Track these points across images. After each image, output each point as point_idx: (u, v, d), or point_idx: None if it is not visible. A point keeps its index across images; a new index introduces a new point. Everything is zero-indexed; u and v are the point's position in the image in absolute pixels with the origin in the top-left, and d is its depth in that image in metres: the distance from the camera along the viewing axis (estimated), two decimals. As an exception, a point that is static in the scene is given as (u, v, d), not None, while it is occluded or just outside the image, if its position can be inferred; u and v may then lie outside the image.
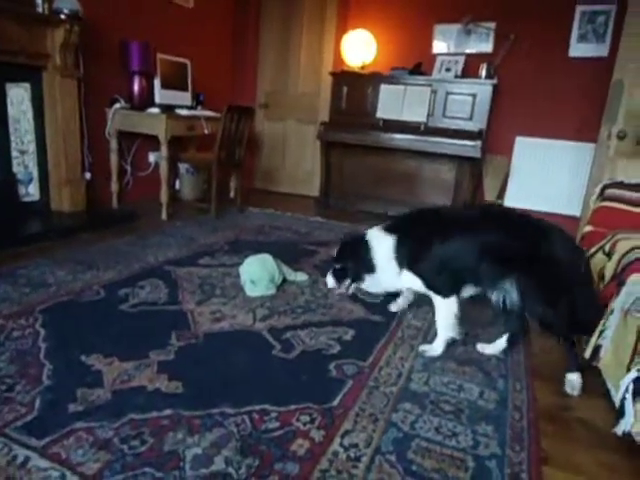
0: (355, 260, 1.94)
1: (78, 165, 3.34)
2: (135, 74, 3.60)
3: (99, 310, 2.02)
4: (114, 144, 3.64)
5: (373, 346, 1.91)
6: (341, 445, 1.31)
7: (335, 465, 1.23)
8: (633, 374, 1.27)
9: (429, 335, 2.06)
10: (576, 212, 3.96)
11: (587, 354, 1.75)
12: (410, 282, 1.90)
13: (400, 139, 4.14)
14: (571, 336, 1.77)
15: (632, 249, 1.89)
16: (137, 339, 1.80)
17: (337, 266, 2.01)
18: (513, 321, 1.94)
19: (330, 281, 2.04)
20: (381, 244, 1.89)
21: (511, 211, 2.07)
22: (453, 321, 1.86)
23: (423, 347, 1.93)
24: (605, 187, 2.58)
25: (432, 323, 2.16)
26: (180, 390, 1.50)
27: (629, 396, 1.26)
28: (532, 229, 1.77)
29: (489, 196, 4.30)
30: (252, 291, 2.32)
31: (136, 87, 3.61)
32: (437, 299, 1.87)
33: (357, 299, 2.38)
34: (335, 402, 1.50)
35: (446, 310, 1.86)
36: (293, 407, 1.46)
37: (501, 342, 1.96)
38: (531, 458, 1.32)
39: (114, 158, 3.67)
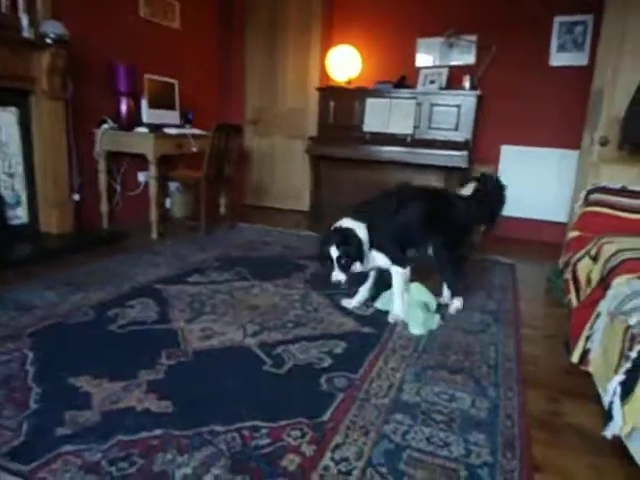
0: (352, 248, 2.20)
1: (66, 187, 3.34)
2: (122, 95, 3.62)
3: (88, 331, 2.01)
4: (103, 165, 3.65)
5: (364, 358, 1.91)
6: (332, 459, 1.30)
7: (326, 480, 1.23)
8: (620, 377, 1.28)
9: (420, 344, 2.06)
10: (564, 218, 4.01)
11: (575, 358, 1.76)
12: (378, 259, 2.31)
13: (388, 151, 4.18)
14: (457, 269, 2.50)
15: (617, 252, 1.91)
16: (126, 359, 1.79)
17: (339, 258, 2.18)
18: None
19: (341, 275, 2.19)
20: (360, 232, 2.23)
21: (425, 188, 2.63)
22: (406, 287, 2.33)
23: (391, 320, 2.30)
24: (589, 192, 2.62)
25: (424, 333, 2.18)
26: (170, 409, 1.49)
27: (616, 399, 1.26)
28: (440, 199, 2.49)
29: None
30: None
31: (124, 107, 3.63)
32: (397, 270, 2.30)
33: (348, 312, 2.38)
34: (326, 416, 1.50)
35: (403, 278, 2.30)
36: (284, 422, 1.45)
37: None
38: (523, 466, 1.32)
39: (103, 178, 3.67)
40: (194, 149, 3.88)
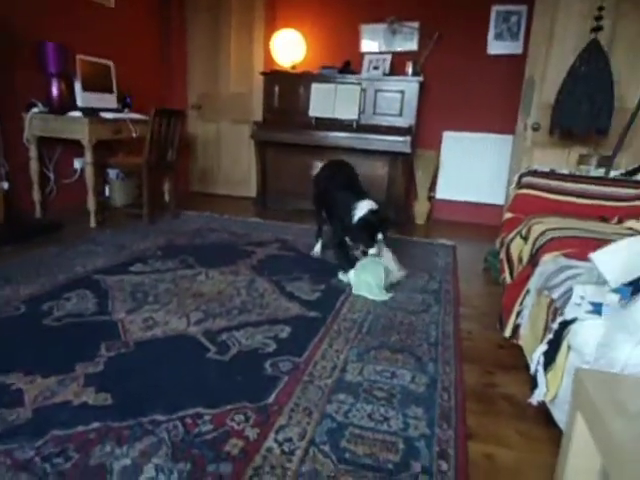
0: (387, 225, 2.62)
1: (-7, 174, 3.13)
2: (53, 76, 3.41)
3: (19, 326, 1.91)
4: (34, 151, 3.43)
5: (309, 341, 1.93)
6: (275, 441, 1.32)
7: (269, 461, 1.24)
8: (543, 347, 1.37)
9: (364, 326, 2.11)
10: (502, 201, 4.20)
11: (507, 333, 1.86)
12: None
13: (333, 137, 4.20)
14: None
15: (544, 232, 2.03)
16: (62, 353, 1.72)
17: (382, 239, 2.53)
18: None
19: (376, 250, 2.54)
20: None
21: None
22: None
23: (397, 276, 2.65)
24: (521, 176, 2.75)
25: (368, 314, 2.23)
26: (109, 402, 1.45)
27: (540, 368, 1.35)
28: None
29: (421, 190, 4.45)
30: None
31: (55, 90, 3.42)
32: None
33: (294, 297, 2.39)
34: (270, 399, 1.51)
35: None
36: (227, 408, 1.45)
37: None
38: (457, 435, 1.39)
39: (34, 165, 3.46)
40: (134, 134, 3.73)
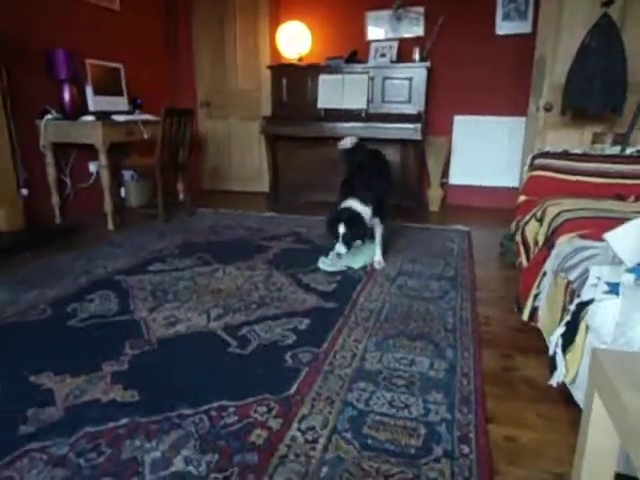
0: (360, 230, 2.61)
1: (12, 182, 3.20)
2: (64, 82, 3.46)
3: (46, 328, 1.97)
4: (50, 157, 3.50)
5: (328, 332, 1.96)
6: (299, 430, 1.35)
7: (293, 449, 1.27)
8: (561, 329, 1.37)
9: (382, 315, 2.13)
10: (516, 184, 4.15)
11: (525, 316, 1.86)
12: (374, 221, 2.77)
13: (343, 128, 4.18)
14: None
15: (559, 213, 2.01)
16: (88, 353, 1.77)
17: (345, 235, 2.56)
18: None
19: (343, 249, 2.58)
20: (367, 215, 2.65)
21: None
22: None
23: (377, 266, 2.76)
24: (534, 157, 2.72)
25: (385, 303, 2.25)
26: (136, 398, 1.50)
27: (559, 350, 1.36)
28: None
29: (434, 176, 4.43)
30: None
31: (66, 96, 3.48)
32: (381, 227, 2.82)
33: (310, 289, 2.42)
34: (292, 390, 1.54)
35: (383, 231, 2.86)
36: (251, 400, 1.48)
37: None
38: (478, 419, 1.41)
39: (51, 171, 3.54)
40: (145, 135, 3.78)
